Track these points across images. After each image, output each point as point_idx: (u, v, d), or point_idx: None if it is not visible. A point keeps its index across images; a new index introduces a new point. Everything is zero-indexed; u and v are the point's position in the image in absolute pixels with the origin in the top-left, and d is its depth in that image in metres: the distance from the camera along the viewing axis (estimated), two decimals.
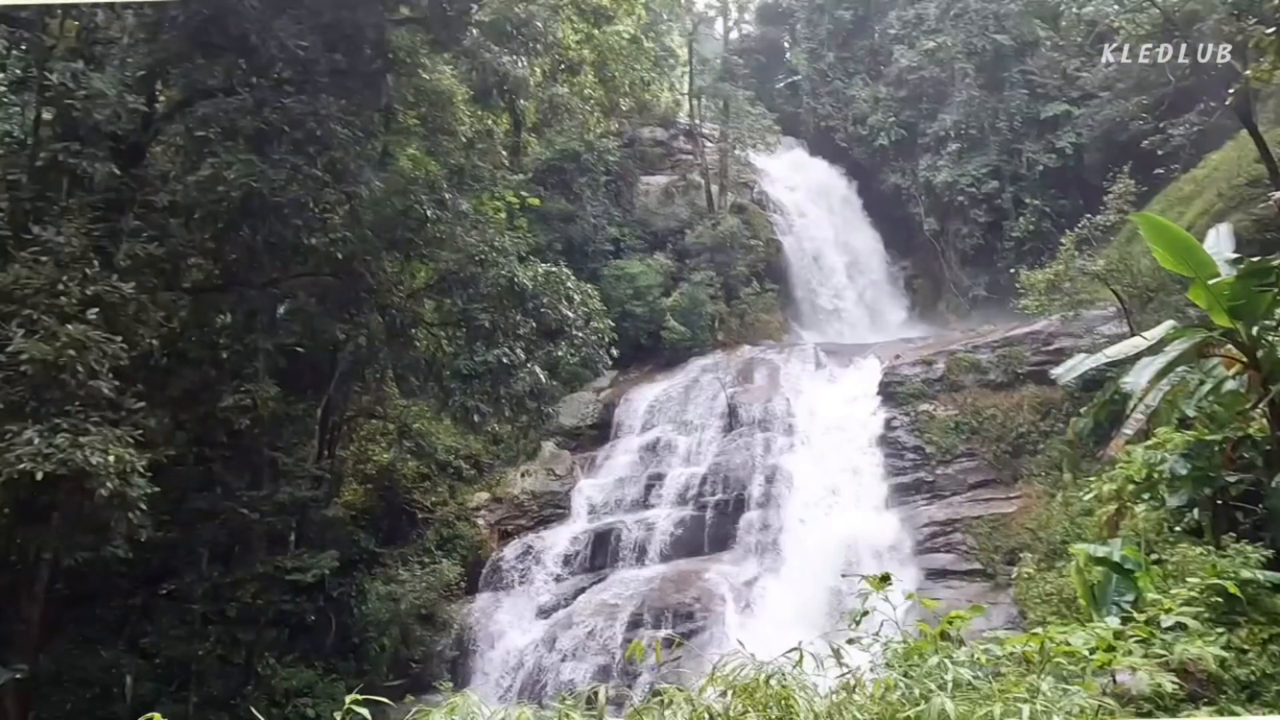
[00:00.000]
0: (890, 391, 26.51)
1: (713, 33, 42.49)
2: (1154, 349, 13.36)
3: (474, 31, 14.44)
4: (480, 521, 25.04)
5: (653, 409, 28.97)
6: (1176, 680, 6.33)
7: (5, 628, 12.89)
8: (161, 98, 13.61)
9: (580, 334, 16.28)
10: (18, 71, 11.03)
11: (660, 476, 26.34)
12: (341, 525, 20.53)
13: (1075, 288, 23.05)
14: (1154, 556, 11.42)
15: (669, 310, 31.08)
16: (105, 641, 15.41)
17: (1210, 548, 10.50)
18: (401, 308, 15.39)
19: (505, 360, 15.07)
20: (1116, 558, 11.08)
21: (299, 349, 16.55)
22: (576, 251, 30.68)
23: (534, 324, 15.72)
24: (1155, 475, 12.78)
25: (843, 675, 4.63)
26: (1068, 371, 13.77)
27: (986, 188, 36.76)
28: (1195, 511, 12.52)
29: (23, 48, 11.07)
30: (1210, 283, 12.13)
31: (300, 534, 16.27)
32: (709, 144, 36.89)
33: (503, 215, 28.06)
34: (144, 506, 10.83)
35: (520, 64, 13.99)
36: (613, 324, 17.46)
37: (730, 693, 4.14)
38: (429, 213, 14.19)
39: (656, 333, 31.38)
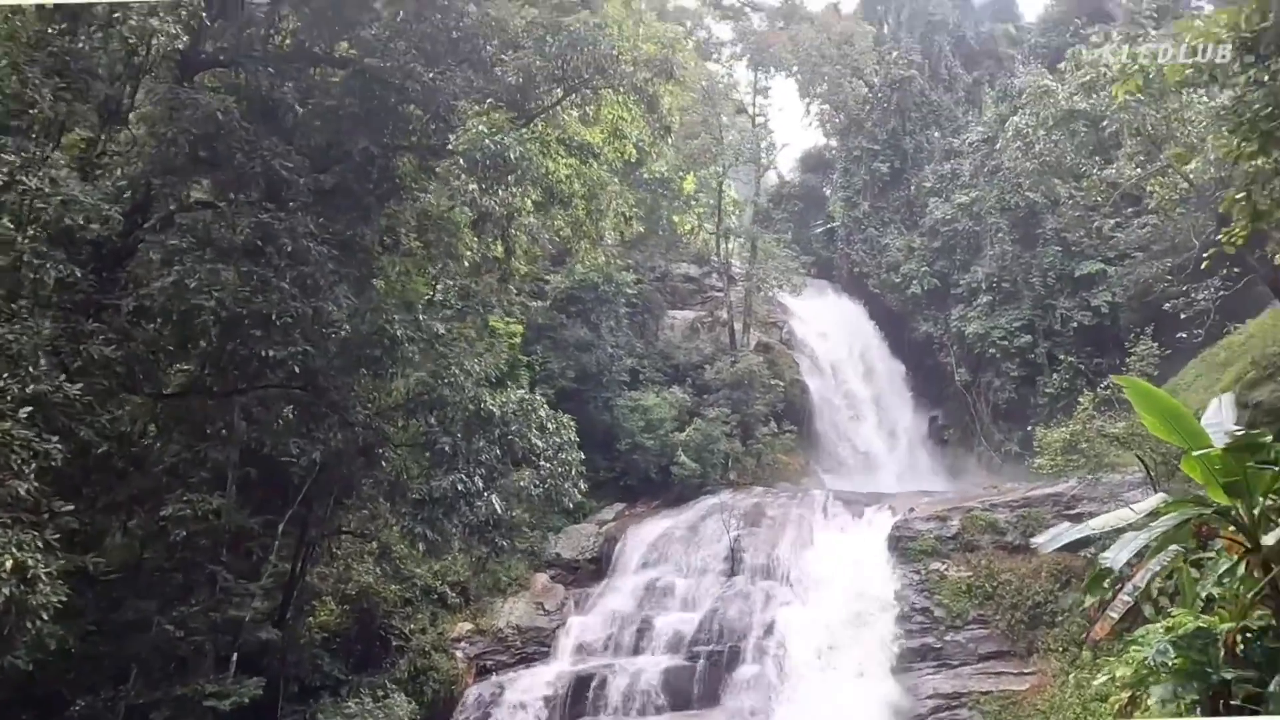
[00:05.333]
0: (901, 547, 25.17)
1: (740, 177, 43.52)
2: (1141, 523, 12.32)
3: (448, 163, 14.76)
4: (459, 654, 23.90)
5: (655, 547, 27.94)
6: None
7: None
8: (154, 209, 14.05)
9: (548, 464, 15.76)
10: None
11: (654, 620, 25.12)
12: (305, 648, 19.70)
13: (1094, 449, 21.89)
14: None
15: (681, 445, 30.44)
16: None
17: None
18: (368, 425, 15.16)
19: (460, 487, 14.59)
20: None
21: (271, 459, 16.28)
22: (590, 380, 30.52)
23: (498, 451, 15.31)
24: (1143, 668, 11.56)
25: None
26: (1050, 540, 12.73)
27: (1019, 341, 36.04)
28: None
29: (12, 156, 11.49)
30: (1195, 455, 11.21)
31: (244, 654, 15.55)
32: (737, 283, 37.11)
33: (517, 341, 28.27)
34: (45, 615, 10.39)
35: (498, 194, 14.20)
36: (582, 458, 16.91)
37: None
38: (399, 332, 14.15)
39: (667, 467, 30.67)
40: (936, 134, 43.18)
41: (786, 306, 40.18)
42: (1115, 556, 11.61)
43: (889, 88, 42.50)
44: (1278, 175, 9.44)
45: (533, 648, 24.60)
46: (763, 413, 32.87)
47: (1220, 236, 10.98)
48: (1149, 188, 27.82)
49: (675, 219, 36.50)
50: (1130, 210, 33.01)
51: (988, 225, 37.74)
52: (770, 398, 33.15)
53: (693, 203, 34.87)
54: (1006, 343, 36.15)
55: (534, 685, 22.99)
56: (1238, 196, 9.99)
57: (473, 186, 14.26)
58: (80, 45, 12.80)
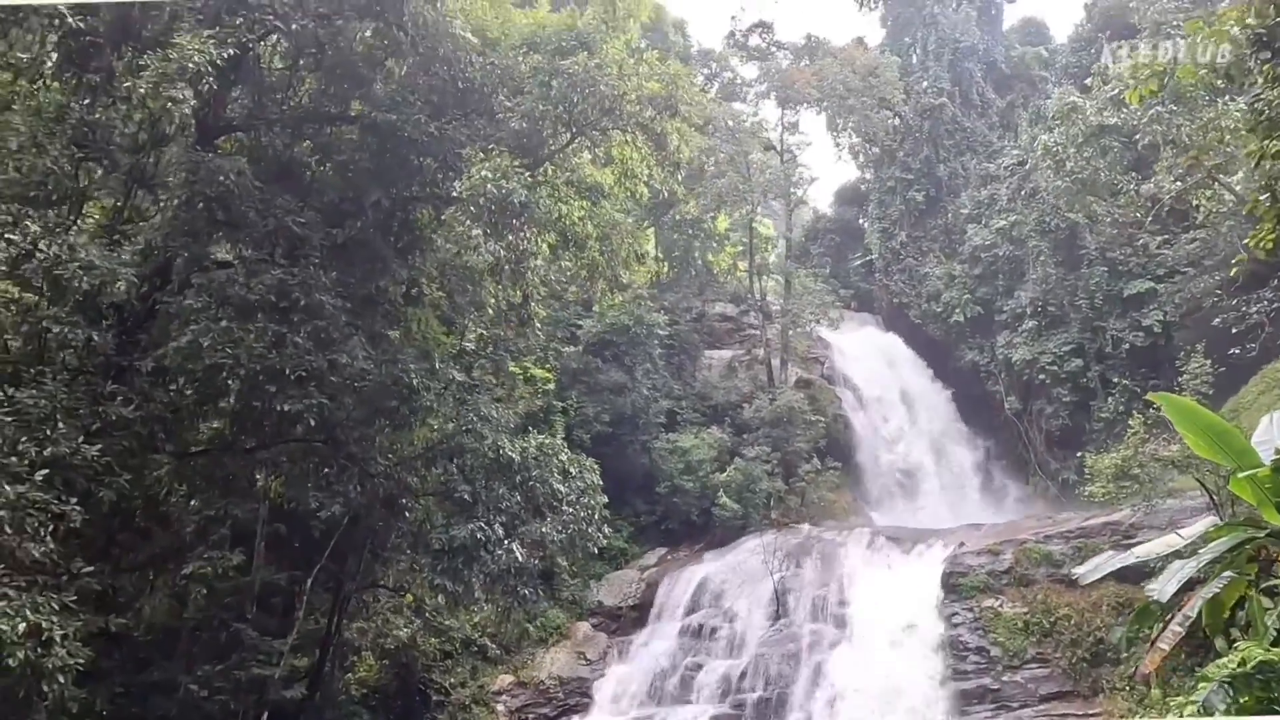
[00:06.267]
0: (952, 583, 24.19)
1: (774, 213, 43.35)
2: (1190, 550, 11.65)
3: (454, 209, 14.84)
4: (500, 707, 23.51)
5: (698, 591, 27.33)
6: None
7: None
8: (174, 271, 14.34)
9: (570, 510, 15.48)
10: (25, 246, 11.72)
11: (698, 667, 24.49)
12: (343, 705, 19.53)
13: (1149, 474, 20.88)
14: None
15: (721, 486, 29.90)
16: None
17: None
18: (389, 476, 15.10)
19: (480, 536, 14.39)
20: None
21: (302, 515, 16.29)
22: (627, 423, 30.22)
23: (519, 498, 15.10)
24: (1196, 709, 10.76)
25: None
26: (1092, 570, 12.09)
27: (1070, 366, 34.83)
28: None
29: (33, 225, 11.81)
30: (1241, 475, 10.56)
31: (275, 713, 15.41)
32: (774, 320, 36.70)
33: (550, 387, 28.17)
34: (62, 678, 10.37)
35: (506, 239, 14.22)
36: (605, 501, 16.53)
37: None
38: (415, 382, 14.14)
39: (708, 509, 30.12)
40: (971, 160, 42.55)
41: (826, 341, 39.56)
42: (1162, 588, 10.96)
43: (920, 116, 42.13)
44: None
45: (575, 699, 24.11)
46: (805, 450, 32.15)
47: (1247, 241, 10.42)
48: (1194, 201, 26.90)
49: (710, 258, 36.42)
50: (1179, 226, 31.97)
51: (1029, 249, 36.83)
52: (812, 434, 32.45)
53: (726, 242, 34.71)
54: (1056, 368, 34.98)
55: None
56: (1262, 198, 9.47)
57: (477, 232, 14.30)
58: (98, 117, 13.23)
